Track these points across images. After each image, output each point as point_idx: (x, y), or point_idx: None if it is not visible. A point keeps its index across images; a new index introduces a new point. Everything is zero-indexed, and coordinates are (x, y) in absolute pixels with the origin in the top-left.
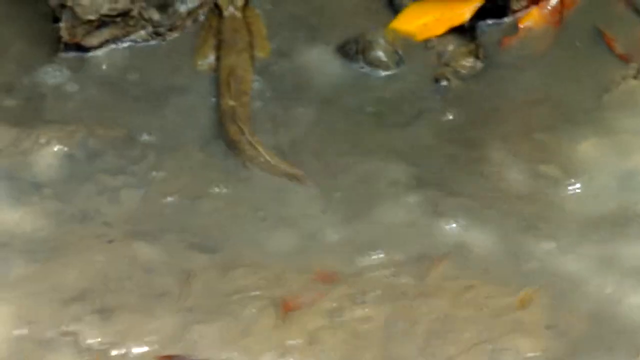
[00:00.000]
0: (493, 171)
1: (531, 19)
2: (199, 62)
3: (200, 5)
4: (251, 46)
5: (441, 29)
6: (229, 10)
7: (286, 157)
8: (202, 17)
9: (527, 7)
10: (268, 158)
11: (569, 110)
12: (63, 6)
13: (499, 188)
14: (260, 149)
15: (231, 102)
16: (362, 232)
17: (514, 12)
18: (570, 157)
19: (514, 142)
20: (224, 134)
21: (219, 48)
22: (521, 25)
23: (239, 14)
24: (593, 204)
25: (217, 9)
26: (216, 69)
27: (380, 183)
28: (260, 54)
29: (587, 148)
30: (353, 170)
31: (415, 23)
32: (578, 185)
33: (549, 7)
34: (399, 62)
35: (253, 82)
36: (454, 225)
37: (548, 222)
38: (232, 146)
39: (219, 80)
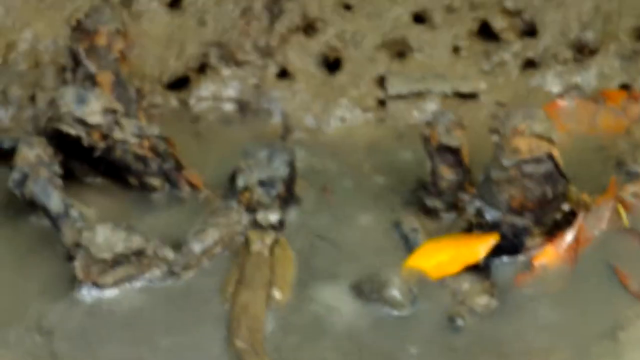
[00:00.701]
0: None
1: (545, 257)
2: (224, 297)
3: (215, 244)
4: (270, 285)
5: (456, 267)
6: (255, 246)
7: None
8: (222, 254)
9: (541, 244)
10: None
11: (585, 347)
12: (78, 245)
13: None
14: None
15: (239, 343)
16: None
17: (528, 249)
18: None
19: None
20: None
21: (238, 283)
22: (535, 263)
23: (265, 251)
24: None
25: (246, 244)
26: (231, 304)
27: None
28: (277, 295)
29: None
30: None
31: (430, 261)
32: None
33: (564, 245)
34: (413, 301)
35: (265, 321)
36: None
37: None
38: None
39: (231, 317)
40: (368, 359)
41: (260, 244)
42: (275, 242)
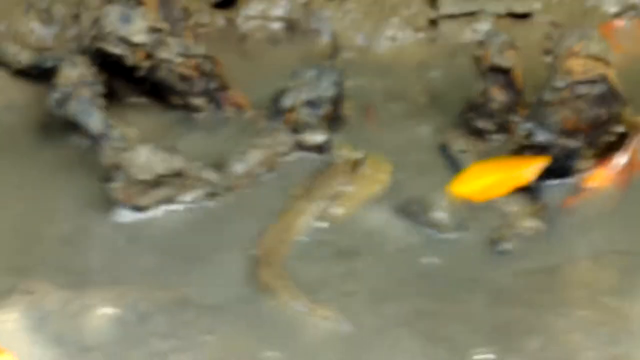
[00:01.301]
0: (553, 338)
1: (597, 180)
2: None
3: (259, 165)
4: (334, 199)
5: (504, 190)
6: (338, 158)
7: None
8: (266, 175)
9: (593, 167)
10: (302, 301)
11: (634, 275)
12: (118, 166)
13: (559, 356)
14: (295, 293)
15: (258, 251)
16: None
17: (580, 172)
18: (635, 322)
19: (579, 308)
20: (257, 279)
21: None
22: (586, 186)
23: (346, 166)
24: None
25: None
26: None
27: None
28: (338, 211)
29: None
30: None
31: (478, 184)
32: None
33: (616, 168)
34: (460, 224)
35: (300, 234)
36: None
37: None
38: (266, 290)
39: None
40: (409, 281)
41: (343, 157)
42: (363, 159)
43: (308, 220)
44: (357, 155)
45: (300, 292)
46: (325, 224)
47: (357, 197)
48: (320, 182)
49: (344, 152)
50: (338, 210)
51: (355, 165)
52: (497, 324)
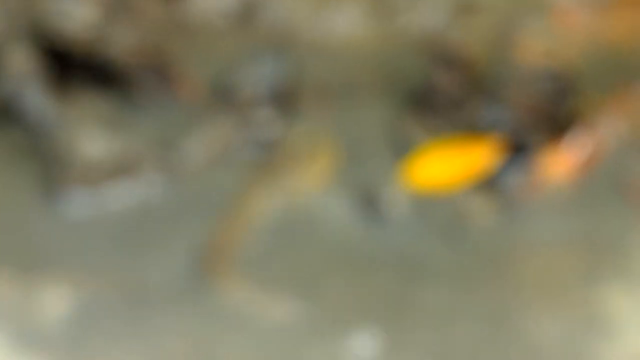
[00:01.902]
0: (516, 327)
1: (555, 166)
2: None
3: (212, 151)
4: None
5: (458, 175)
6: (290, 145)
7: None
8: (219, 160)
9: (551, 150)
10: (250, 291)
11: (594, 262)
12: (62, 151)
13: (523, 342)
14: (242, 283)
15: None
16: None
17: (537, 157)
18: (598, 311)
19: (541, 296)
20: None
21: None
22: (544, 173)
23: (296, 152)
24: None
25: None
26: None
27: None
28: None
29: (614, 301)
30: None
31: (430, 170)
32: (608, 337)
33: (575, 156)
34: (412, 211)
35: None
36: None
37: None
38: (216, 283)
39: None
40: (361, 269)
41: (291, 148)
42: (311, 151)
43: (256, 210)
44: (305, 146)
45: (248, 281)
46: (271, 214)
47: (301, 188)
48: (267, 172)
49: (293, 143)
50: (284, 201)
51: (302, 157)
52: (453, 314)
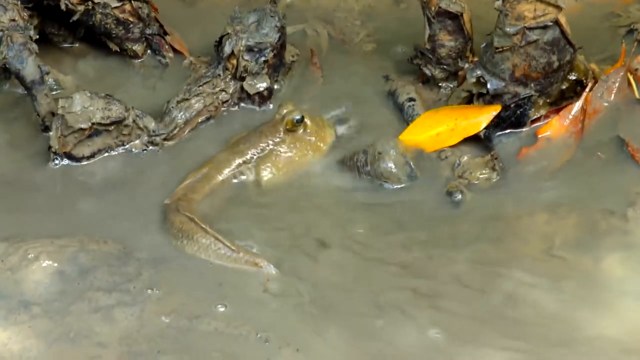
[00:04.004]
0: (511, 292)
1: (551, 129)
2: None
3: (199, 114)
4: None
5: (455, 139)
6: (277, 116)
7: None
8: (207, 123)
9: (546, 116)
10: (227, 244)
11: (591, 225)
12: (53, 114)
13: (519, 310)
14: (217, 236)
15: (166, 200)
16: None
17: (533, 121)
18: (594, 274)
19: (534, 259)
20: (168, 227)
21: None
22: (540, 135)
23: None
24: (621, 325)
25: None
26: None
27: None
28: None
29: (612, 265)
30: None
31: (427, 133)
32: (603, 306)
33: (570, 117)
34: (410, 175)
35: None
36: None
37: (575, 347)
38: (180, 236)
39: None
40: (360, 232)
41: (284, 116)
42: (304, 122)
43: (228, 172)
44: (298, 116)
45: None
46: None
47: (289, 161)
48: (253, 137)
49: (286, 110)
50: (266, 171)
51: (294, 126)
52: (449, 278)
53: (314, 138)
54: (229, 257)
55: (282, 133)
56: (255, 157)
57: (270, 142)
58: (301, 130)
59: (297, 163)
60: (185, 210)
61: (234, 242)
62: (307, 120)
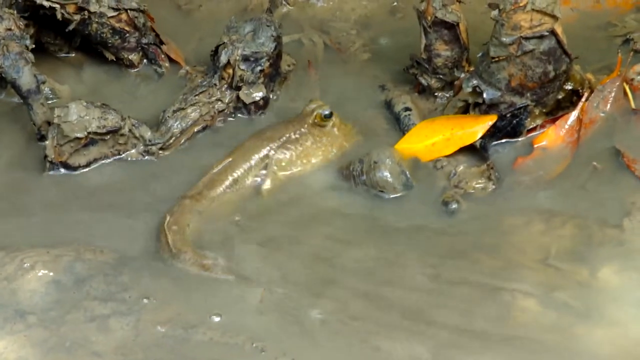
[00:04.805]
0: (507, 301)
1: (547, 139)
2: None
3: (195, 123)
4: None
5: (451, 148)
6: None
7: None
8: (202, 133)
9: (542, 126)
10: (176, 244)
11: (587, 235)
12: (49, 123)
13: (514, 320)
14: (168, 234)
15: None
16: None
17: (529, 131)
18: (590, 284)
19: (530, 270)
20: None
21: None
22: (536, 145)
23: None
24: (617, 335)
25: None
26: None
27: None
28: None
29: (608, 275)
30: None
31: (423, 143)
32: (599, 316)
33: (566, 127)
34: (406, 184)
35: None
36: None
37: (571, 357)
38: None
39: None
40: (356, 243)
41: (311, 109)
42: (332, 118)
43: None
44: (327, 111)
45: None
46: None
47: (312, 154)
48: (280, 126)
49: (315, 105)
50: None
51: (323, 120)
52: (446, 287)
53: (339, 135)
54: (177, 258)
55: (308, 126)
56: (280, 145)
57: (296, 133)
58: (329, 125)
59: (319, 156)
60: (174, 211)
61: (187, 243)
62: (335, 118)
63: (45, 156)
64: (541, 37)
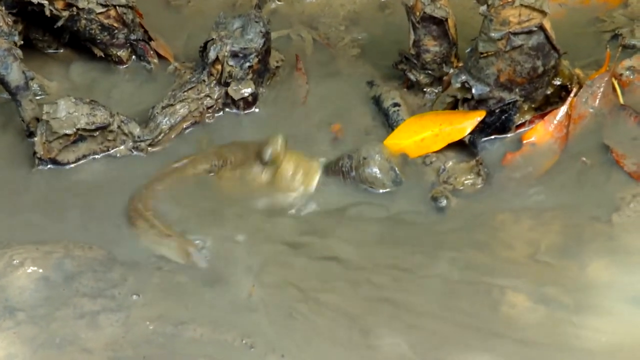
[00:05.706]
0: (497, 297)
1: (536, 134)
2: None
3: (184, 119)
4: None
5: (439, 144)
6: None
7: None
8: (191, 128)
9: (531, 122)
10: (161, 229)
11: (576, 230)
12: (38, 120)
13: (504, 316)
14: (152, 220)
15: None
16: None
17: (518, 127)
18: (579, 280)
19: (519, 265)
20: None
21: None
22: (525, 141)
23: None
24: (607, 330)
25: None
26: None
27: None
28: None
29: (598, 270)
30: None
31: (412, 138)
32: (588, 311)
33: (555, 122)
34: (395, 180)
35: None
36: None
37: (561, 352)
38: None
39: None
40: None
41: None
42: (287, 160)
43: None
44: (268, 157)
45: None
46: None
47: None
48: (236, 147)
49: (272, 146)
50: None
51: (277, 158)
52: (435, 283)
53: (303, 176)
54: (160, 242)
55: (265, 165)
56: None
57: (252, 170)
58: (287, 169)
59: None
60: (139, 198)
61: (170, 228)
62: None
63: (34, 152)
64: (530, 32)
